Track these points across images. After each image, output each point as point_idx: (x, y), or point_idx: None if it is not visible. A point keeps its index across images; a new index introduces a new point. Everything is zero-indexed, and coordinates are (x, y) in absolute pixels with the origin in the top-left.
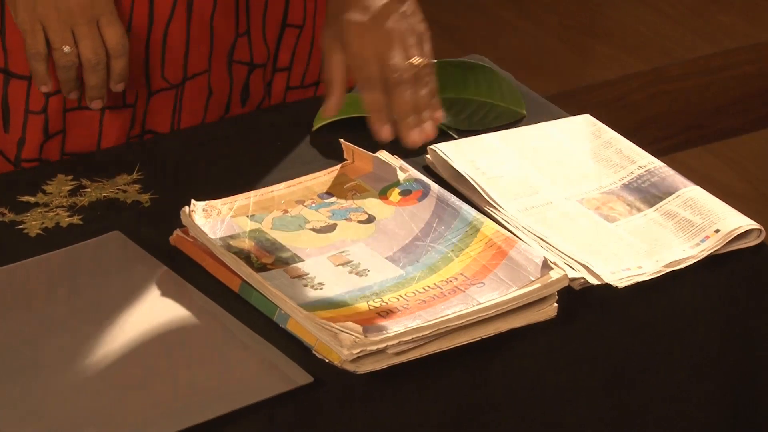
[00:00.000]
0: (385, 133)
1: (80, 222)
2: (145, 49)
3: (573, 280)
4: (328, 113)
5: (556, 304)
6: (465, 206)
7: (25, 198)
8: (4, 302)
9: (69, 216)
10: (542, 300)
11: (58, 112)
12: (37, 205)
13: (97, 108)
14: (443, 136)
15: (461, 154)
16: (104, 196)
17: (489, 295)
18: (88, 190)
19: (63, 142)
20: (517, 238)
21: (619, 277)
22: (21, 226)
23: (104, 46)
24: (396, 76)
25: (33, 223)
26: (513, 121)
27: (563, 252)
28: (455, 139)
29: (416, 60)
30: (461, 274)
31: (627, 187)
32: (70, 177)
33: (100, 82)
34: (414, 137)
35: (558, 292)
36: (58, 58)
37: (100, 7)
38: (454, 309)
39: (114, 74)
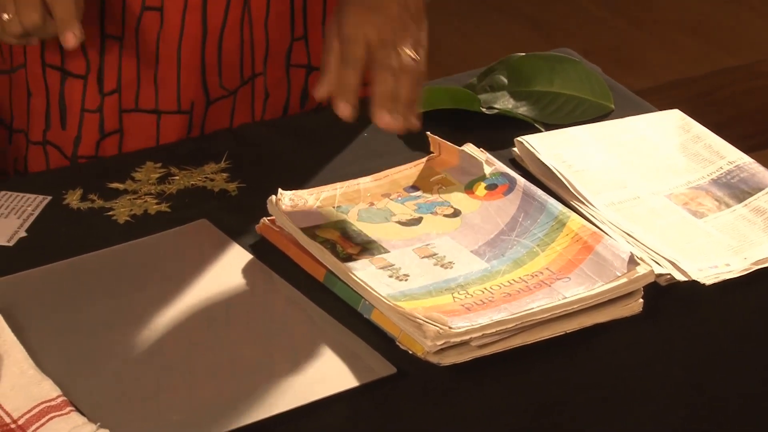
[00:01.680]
0: (344, 111)
1: (168, 210)
2: (200, 58)
3: (659, 276)
4: (318, 97)
5: (641, 300)
6: (551, 200)
7: (114, 185)
8: (91, 288)
9: (157, 203)
10: (628, 295)
11: (114, 111)
12: (125, 192)
13: (71, 46)
14: (530, 129)
15: (548, 146)
16: (192, 184)
17: (574, 290)
18: (176, 177)
19: (120, 142)
20: (603, 233)
21: (706, 275)
22: (110, 213)
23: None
24: (383, 58)
25: (121, 210)
26: (601, 115)
27: (650, 248)
28: (542, 132)
29: (407, 51)
30: (547, 268)
31: (716, 182)
32: (158, 164)
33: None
34: (386, 119)
35: (643, 287)
36: (6, 29)
37: None
38: (539, 303)
39: (57, 20)
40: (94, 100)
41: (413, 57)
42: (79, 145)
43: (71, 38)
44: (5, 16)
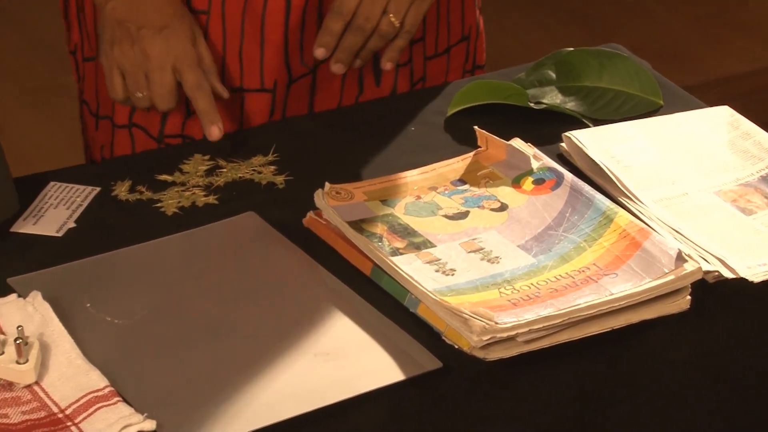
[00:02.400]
0: (320, 54)
1: (216, 202)
2: (283, 34)
3: (707, 273)
4: (314, 53)
5: (689, 297)
6: (599, 196)
7: (163, 177)
8: (139, 279)
9: (205, 195)
10: (675, 292)
11: None
12: (174, 184)
13: (216, 138)
14: (578, 124)
15: (596, 142)
16: (240, 177)
17: (621, 286)
18: (224, 170)
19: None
20: (651, 230)
21: (754, 272)
22: (158, 205)
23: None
24: (362, 21)
25: (170, 202)
26: (649, 111)
27: (698, 244)
28: (590, 127)
29: (391, 18)
30: (594, 264)
31: (765, 179)
32: (207, 157)
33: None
34: (335, 69)
35: (691, 284)
36: (135, 102)
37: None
38: (585, 299)
39: (199, 113)
40: None
41: (395, 24)
42: (166, 124)
43: (216, 132)
44: (138, 95)
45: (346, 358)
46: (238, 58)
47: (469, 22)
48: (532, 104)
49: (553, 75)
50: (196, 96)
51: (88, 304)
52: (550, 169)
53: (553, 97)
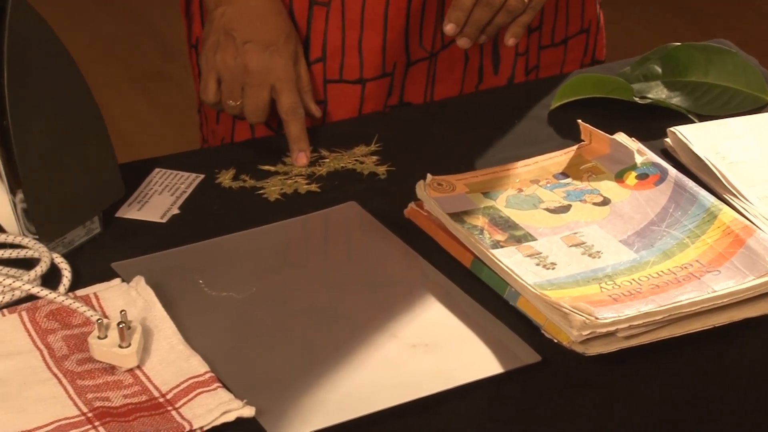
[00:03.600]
0: (450, 29)
1: (318, 189)
2: (405, 18)
3: None
4: (444, 29)
5: None
6: (703, 192)
7: (266, 167)
8: (240, 266)
9: (307, 184)
10: None
11: (319, 81)
12: (276, 173)
13: (303, 165)
14: (684, 119)
15: (702, 137)
16: (342, 167)
17: (724, 284)
18: (327, 160)
19: (324, 112)
20: (755, 227)
21: None
22: (261, 192)
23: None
24: None
25: (272, 189)
26: (756, 107)
27: None
28: (696, 123)
29: None
30: (697, 260)
31: None
32: (310, 147)
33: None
34: (461, 43)
35: None
36: (226, 108)
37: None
38: (687, 296)
39: (290, 137)
40: None
41: (523, 0)
42: None
43: (304, 159)
44: (230, 103)
45: (445, 350)
46: (358, 50)
47: (589, 16)
48: (636, 99)
49: (659, 70)
50: (289, 120)
51: (201, 281)
52: (654, 164)
53: (658, 92)
